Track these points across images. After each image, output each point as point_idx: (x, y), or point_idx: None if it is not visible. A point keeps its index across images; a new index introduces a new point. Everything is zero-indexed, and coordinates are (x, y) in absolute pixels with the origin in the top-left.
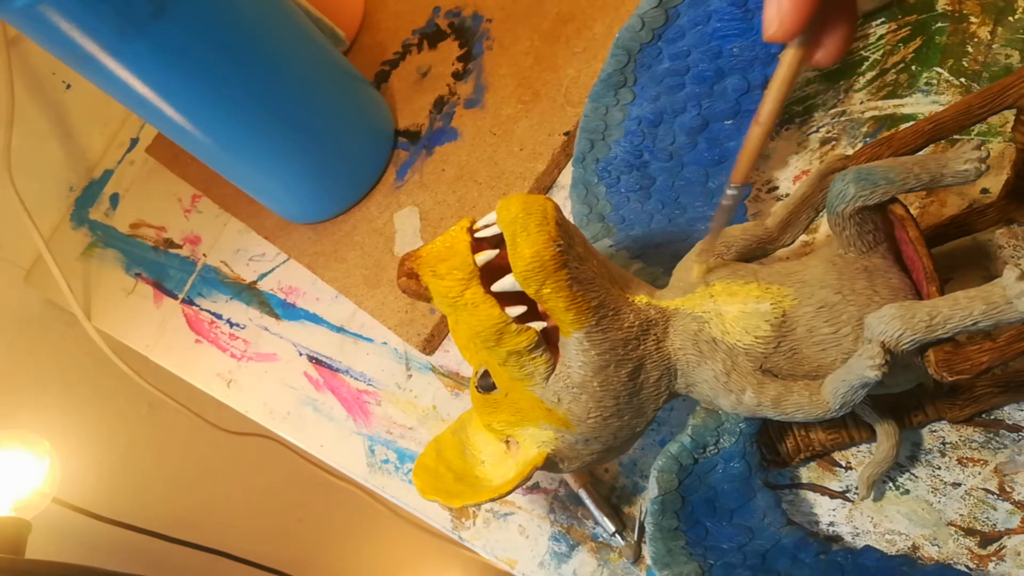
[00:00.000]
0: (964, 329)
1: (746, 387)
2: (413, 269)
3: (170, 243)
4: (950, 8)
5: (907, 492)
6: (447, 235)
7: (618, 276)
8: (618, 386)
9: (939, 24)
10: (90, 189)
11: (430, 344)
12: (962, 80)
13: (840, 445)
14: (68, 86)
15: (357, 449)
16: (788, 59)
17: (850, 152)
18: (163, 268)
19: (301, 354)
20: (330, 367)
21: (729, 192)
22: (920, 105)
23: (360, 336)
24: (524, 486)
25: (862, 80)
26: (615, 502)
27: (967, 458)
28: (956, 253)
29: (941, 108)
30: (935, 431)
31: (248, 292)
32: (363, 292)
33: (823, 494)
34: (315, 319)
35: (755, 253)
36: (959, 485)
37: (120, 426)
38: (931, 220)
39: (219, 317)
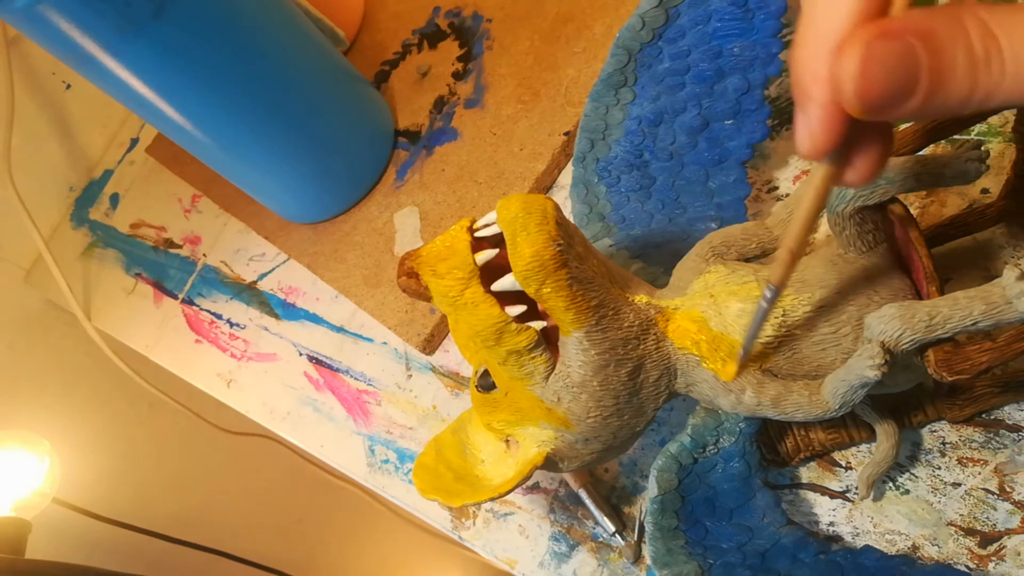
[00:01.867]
0: (964, 329)
1: (746, 387)
2: (413, 268)
3: (170, 243)
4: None
5: (907, 492)
6: (447, 235)
7: (618, 276)
8: (618, 385)
9: None
10: (90, 189)
11: (430, 344)
12: None
13: (840, 445)
14: (68, 86)
15: (357, 449)
16: (818, 178)
17: None
18: (163, 268)
19: (301, 354)
20: (330, 367)
21: (765, 294)
22: None
23: (360, 336)
24: (524, 486)
25: None
26: (615, 502)
27: (967, 458)
28: (956, 253)
29: None
30: (935, 431)
31: (248, 292)
32: (363, 292)
33: (823, 494)
34: (315, 319)
35: (755, 253)
36: (959, 485)
37: (120, 426)
38: (931, 220)
39: (219, 317)
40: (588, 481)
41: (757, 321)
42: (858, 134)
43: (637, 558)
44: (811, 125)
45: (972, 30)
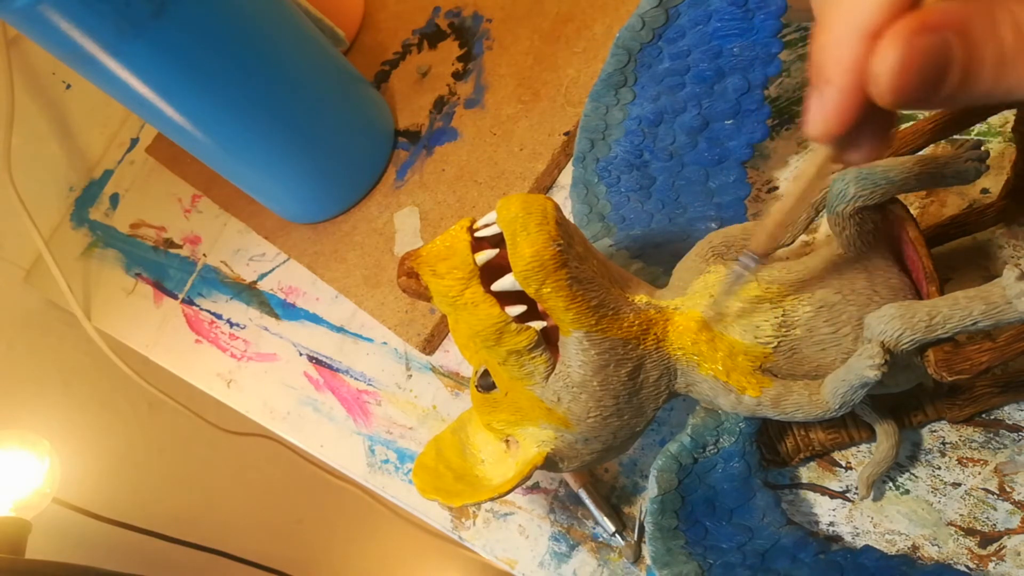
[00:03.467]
0: (964, 329)
1: (745, 386)
2: (413, 268)
3: (170, 243)
4: None
5: (907, 492)
6: (447, 234)
7: (618, 276)
8: (618, 385)
9: None
10: (90, 189)
11: (430, 344)
12: None
13: (840, 445)
14: (68, 86)
15: (357, 449)
16: (820, 155)
17: None
18: (163, 268)
19: (301, 354)
20: (330, 367)
21: (743, 260)
22: None
23: (360, 336)
24: (524, 486)
25: None
26: (615, 502)
27: (967, 458)
28: (956, 253)
29: None
30: (935, 431)
31: (248, 292)
32: (363, 292)
33: (823, 494)
34: (315, 319)
35: None
36: (959, 485)
37: (120, 426)
38: (931, 220)
39: (219, 317)
40: (588, 481)
41: (727, 285)
42: (865, 116)
43: (637, 558)
44: (826, 109)
45: (1003, 25)
